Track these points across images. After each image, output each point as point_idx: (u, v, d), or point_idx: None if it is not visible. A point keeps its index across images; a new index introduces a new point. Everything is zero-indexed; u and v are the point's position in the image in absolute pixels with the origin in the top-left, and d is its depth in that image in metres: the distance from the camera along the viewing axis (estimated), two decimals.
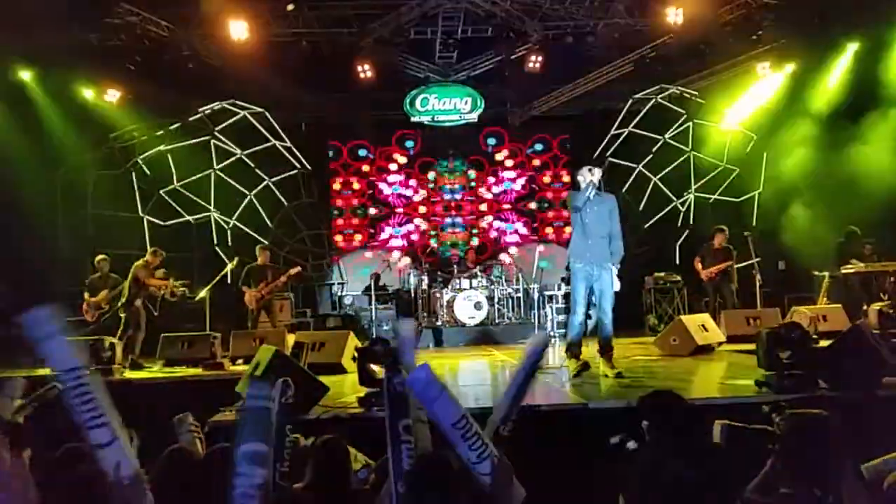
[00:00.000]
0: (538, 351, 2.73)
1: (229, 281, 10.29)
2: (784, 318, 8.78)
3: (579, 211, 6.30)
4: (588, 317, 6.56)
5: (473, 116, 13.84)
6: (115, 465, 2.15)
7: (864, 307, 8.58)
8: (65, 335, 2.21)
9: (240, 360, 8.35)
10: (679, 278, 11.98)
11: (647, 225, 13.00)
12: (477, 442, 2.26)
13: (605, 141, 13.10)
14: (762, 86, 12.07)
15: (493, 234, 14.30)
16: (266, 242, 10.77)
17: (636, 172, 13.05)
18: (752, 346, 5.69)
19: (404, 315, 11.93)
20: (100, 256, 9.64)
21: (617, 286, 6.36)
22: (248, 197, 12.53)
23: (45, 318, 2.19)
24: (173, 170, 12.09)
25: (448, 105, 13.80)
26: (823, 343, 5.51)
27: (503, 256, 13.74)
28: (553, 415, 4.70)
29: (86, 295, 9.28)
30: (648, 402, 2.97)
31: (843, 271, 9.95)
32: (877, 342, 5.10)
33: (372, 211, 14.35)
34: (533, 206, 14.58)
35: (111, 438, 2.15)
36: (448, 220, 14.40)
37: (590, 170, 6.33)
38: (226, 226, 12.41)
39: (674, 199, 12.95)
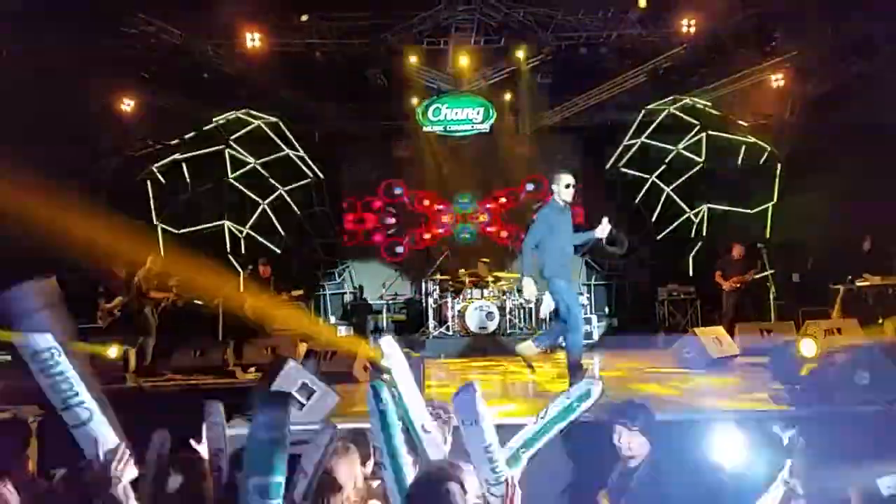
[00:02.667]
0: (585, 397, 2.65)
1: (241, 289, 10.34)
2: (798, 331, 8.69)
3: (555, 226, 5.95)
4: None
5: (485, 126, 13.86)
6: (92, 444, 2.13)
7: (880, 321, 8.49)
8: (45, 311, 2.14)
9: (252, 369, 8.37)
10: (693, 290, 11.91)
11: (660, 236, 12.94)
12: (499, 465, 2.29)
13: (618, 152, 13.08)
14: (775, 97, 12.03)
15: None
16: (265, 259, 10.79)
17: (649, 183, 13.02)
18: (766, 360, 5.64)
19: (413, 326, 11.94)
20: (116, 265, 9.73)
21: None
22: (262, 206, 12.60)
23: (25, 295, 2.12)
24: (188, 178, 12.18)
25: (460, 115, 13.83)
26: (839, 357, 5.45)
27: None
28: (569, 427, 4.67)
29: (101, 302, 9.37)
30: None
31: (858, 284, 9.86)
32: (893, 356, 5.05)
33: (388, 220, 14.39)
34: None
35: (87, 417, 2.13)
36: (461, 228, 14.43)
37: (567, 185, 5.98)
38: (239, 234, 12.48)
39: (687, 210, 12.89)
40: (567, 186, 5.95)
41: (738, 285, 10.04)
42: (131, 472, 2.20)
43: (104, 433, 2.16)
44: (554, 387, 7.28)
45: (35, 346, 2.08)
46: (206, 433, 3.00)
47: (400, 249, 14.31)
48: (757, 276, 10.27)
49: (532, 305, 11.98)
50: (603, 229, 6.12)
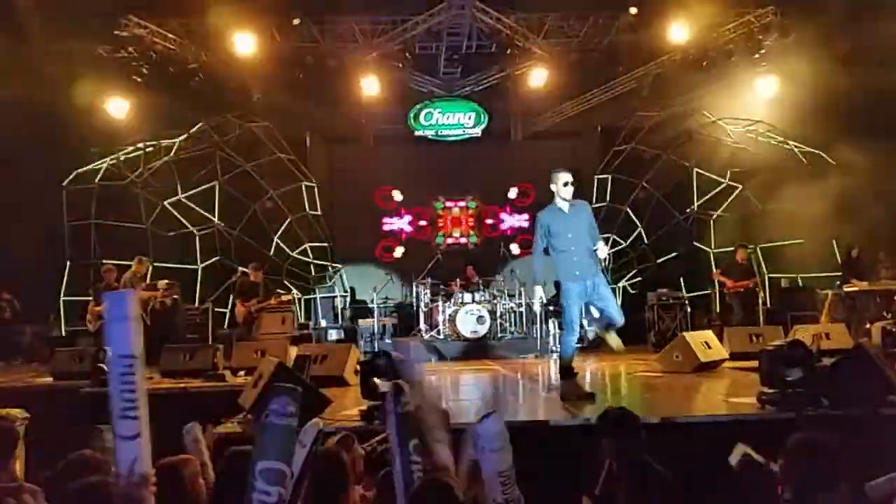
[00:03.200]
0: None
1: (232, 293, 10.33)
2: (787, 335, 8.76)
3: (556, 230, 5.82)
4: (581, 327, 6.31)
5: (477, 131, 13.91)
6: (128, 460, 2.14)
7: (868, 325, 8.57)
8: (134, 323, 2.22)
9: (242, 372, 8.33)
10: (682, 294, 11.96)
11: (650, 241, 13.00)
12: (511, 488, 2.33)
13: (608, 157, 13.14)
14: (765, 103, 12.12)
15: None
16: (257, 263, 10.79)
17: (639, 188, 13.08)
18: (754, 364, 5.67)
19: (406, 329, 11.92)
20: (105, 266, 9.70)
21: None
22: (253, 208, 12.58)
23: (122, 301, 2.22)
24: (178, 181, 12.15)
25: (452, 120, 13.88)
26: (826, 361, 5.49)
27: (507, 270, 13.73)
28: (559, 430, 4.70)
29: (91, 305, 9.33)
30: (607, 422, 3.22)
31: (846, 289, 9.95)
32: (881, 360, 5.09)
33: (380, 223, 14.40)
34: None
35: (136, 433, 2.15)
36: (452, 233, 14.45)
37: (565, 184, 5.85)
38: (230, 238, 12.45)
39: (677, 215, 12.96)
40: (565, 184, 5.81)
41: (742, 289, 10.08)
42: (151, 500, 2.24)
43: (144, 453, 2.19)
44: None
45: (120, 352, 2.18)
46: (189, 450, 3.04)
47: (397, 253, 14.32)
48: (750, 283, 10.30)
49: (523, 309, 12.00)
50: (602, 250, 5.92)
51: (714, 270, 11.59)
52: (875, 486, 2.76)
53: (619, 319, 5.90)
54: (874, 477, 2.90)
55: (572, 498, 3.90)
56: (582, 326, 6.32)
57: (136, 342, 2.21)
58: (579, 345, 6.18)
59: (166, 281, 9.80)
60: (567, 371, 6.00)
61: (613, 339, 6.04)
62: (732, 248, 10.85)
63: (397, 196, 14.43)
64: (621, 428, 3.18)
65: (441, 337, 11.50)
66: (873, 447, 3.59)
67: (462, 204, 14.64)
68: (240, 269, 10.22)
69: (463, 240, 14.58)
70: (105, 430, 2.89)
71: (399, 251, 14.35)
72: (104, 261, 10.49)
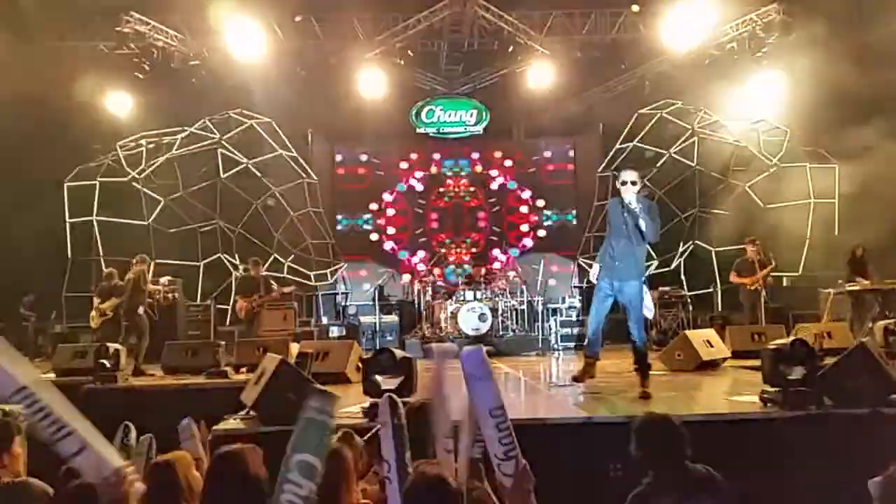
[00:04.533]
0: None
1: (234, 289, 10.33)
2: (789, 334, 8.74)
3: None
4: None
5: (479, 129, 13.91)
6: (92, 469, 2.14)
7: (870, 324, 8.55)
8: (2, 358, 2.15)
9: (244, 369, 8.34)
10: (684, 292, 11.96)
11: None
12: (508, 437, 2.26)
13: (610, 155, 13.12)
14: (767, 101, 12.10)
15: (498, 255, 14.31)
16: (257, 258, 10.79)
17: (640, 186, 13.05)
18: (757, 362, 5.67)
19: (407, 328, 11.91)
20: (107, 270, 9.74)
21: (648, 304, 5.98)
22: (254, 205, 12.58)
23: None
24: (180, 178, 12.15)
25: (454, 117, 13.88)
26: (829, 360, 5.49)
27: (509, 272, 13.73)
28: (558, 428, 4.70)
29: (95, 301, 9.35)
30: (642, 428, 2.93)
31: (849, 288, 9.94)
32: (883, 359, 5.09)
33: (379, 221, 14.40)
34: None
35: (80, 446, 2.14)
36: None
37: (623, 182, 5.79)
38: (231, 234, 12.45)
39: (679, 213, 12.94)
40: (623, 184, 5.72)
41: (757, 285, 10.00)
42: (139, 488, 2.25)
43: (103, 457, 2.18)
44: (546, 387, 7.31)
45: (4, 392, 2.11)
46: (183, 447, 3.05)
47: (396, 249, 14.33)
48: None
49: (525, 307, 12.01)
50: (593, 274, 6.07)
51: (717, 271, 11.60)
52: (877, 483, 2.75)
53: (636, 334, 5.89)
54: (876, 476, 2.90)
55: (574, 495, 3.91)
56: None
57: (16, 374, 2.13)
58: (589, 347, 6.12)
59: (168, 278, 9.80)
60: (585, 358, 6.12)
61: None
62: (738, 247, 10.76)
63: (402, 193, 14.43)
64: (661, 437, 2.90)
65: (443, 335, 11.51)
66: (875, 445, 3.59)
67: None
68: (241, 265, 10.21)
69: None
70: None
71: (403, 248, 14.35)
72: (106, 258, 10.49)
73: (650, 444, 2.88)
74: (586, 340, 6.21)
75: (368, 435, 3.54)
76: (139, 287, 9.00)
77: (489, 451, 2.27)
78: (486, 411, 2.26)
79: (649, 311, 6.87)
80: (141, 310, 8.95)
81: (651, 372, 6.08)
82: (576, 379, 6.06)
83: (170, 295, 9.60)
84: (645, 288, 6.22)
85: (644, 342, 6.03)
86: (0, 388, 2.11)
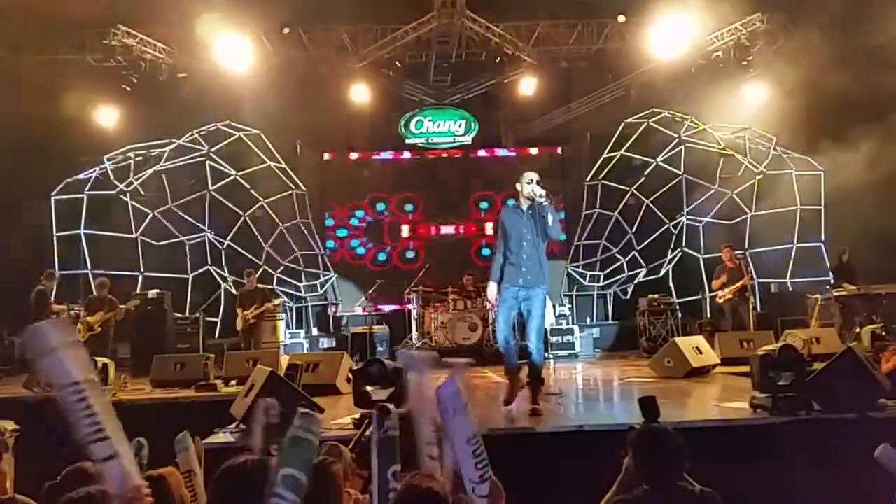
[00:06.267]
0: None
1: (222, 302, 10.28)
2: (777, 340, 8.80)
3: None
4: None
5: (467, 139, 13.95)
6: (116, 478, 2.14)
7: (858, 329, 8.61)
8: (65, 350, 2.20)
9: (233, 382, 8.29)
10: (673, 300, 12.01)
11: (640, 247, 13.06)
12: (483, 462, 2.29)
13: (598, 164, 13.20)
14: (753, 110, 12.23)
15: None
16: (252, 269, 10.75)
17: (628, 195, 13.14)
18: (746, 369, 5.70)
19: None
20: (100, 280, 9.71)
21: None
22: (243, 217, 12.55)
23: (44, 334, 2.16)
24: (168, 190, 12.11)
25: (442, 128, 13.92)
26: (817, 365, 5.53)
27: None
28: (547, 437, 4.70)
29: (82, 313, 9.30)
30: (638, 438, 2.84)
31: (836, 293, 10.02)
32: (871, 364, 5.13)
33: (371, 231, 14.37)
34: None
35: (112, 453, 2.14)
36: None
37: (529, 181, 5.57)
38: (220, 247, 12.40)
39: (666, 221, 13.01)
40: (529, 182, 5.55)
41: (733, 296, 10.04)
42: None
43: (129, 470, 2.18)
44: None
45: (60, 381, 2.13)
46: (178, 459, 3.04)
47: (383, 257, 14.30)
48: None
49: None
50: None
51: (705, 278, 11.65)
52: (886, 450, 2.74)
53: (534, 347, 5.67)
54: (865, 482, 2.91)
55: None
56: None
57: (76, 367, 2.16)
58: (508, 359, 5.87)
59: (76, 306, 9.65)
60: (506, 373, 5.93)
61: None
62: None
63: (390, 204, 14.43)
64: (654, 447, 2.80)
65: (433, 344, 11.49)
66: (864, 450, 3.61)
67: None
68: (230, 277, 10.18)
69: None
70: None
71: (392, 258, 14.33)
72: (93, 271, 10.44)
73: (647, 457, 2.79)
74: (503, 354, 5.87)
75: (352, 443, 3.54)
76: (41, 304, 8.91)
77: (464, 476, 2.28)
78: (463, 442, 2.28)
79: (548, 320, 6.68)
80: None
81: (641, 378, 6.08)
82: (507, 402, 5.67)
83: (72, 313, 9.53)
84: (547, 299, 6.02)
85: (542, 357, 5.87)
86: (59, 376, 2.13)
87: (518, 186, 5.66)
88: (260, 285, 10.59)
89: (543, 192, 5.48)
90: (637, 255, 13.16)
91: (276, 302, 10.52)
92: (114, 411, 2.20)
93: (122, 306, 9.43)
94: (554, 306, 12.66)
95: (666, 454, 2.77)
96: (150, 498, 2.19)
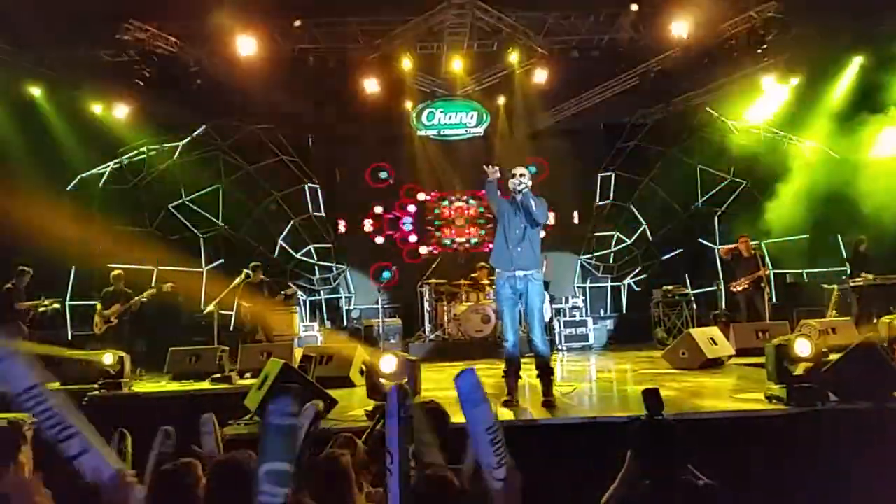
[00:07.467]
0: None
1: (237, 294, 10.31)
2: (793, 331, 8.73)
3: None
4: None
5: (479, 130, 13.90)
6: (92, 471, 2.17)
7: (875, 320, 8.53)
8: (16, 356, 2.20)
9: (248, 374, 8.35)
10: (687, 291, 11.94)
11: (654, 238, 12.99)
12: (501, 448, 2.31)
13: (612, 154, 13.11)
14: (767, 99, 12.08)
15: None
16: (258, 263, 10.78)
17: (643, 185, 13.06)
18: (761, 360, 5.66)
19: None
20: (116, 271, 9.77)
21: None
22: (256, 211, 12.59)
23: None
24: (181, 184, 12.18)
25: (454, 119, 13.87)
26: (833, 356, 5.48)
27: None
28: (557, 429, 4.70)
29: (98, 306, 9.41)
30: (638, 430, 2.81)
31: (853, 284, 9.92)
32: (887, 354, 5.08)
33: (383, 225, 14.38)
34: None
35: (82, 448, 2.17)
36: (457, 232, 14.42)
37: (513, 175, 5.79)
38: (234, 240, 12.47)
39: (680, 211, 12.93)
40: (513, 176, 5.78)
41: (748, 287, 9.98)
42: (139, 491, 2.28)
43: (103, 460, 2.21)
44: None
45: (14, 390, 2.15)
46: (203, 441, 3.09)
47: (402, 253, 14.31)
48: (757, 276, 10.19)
49: None
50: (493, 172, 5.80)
51: (720, 269, 11.59)
52: None
53: (538, 340, 5.89)
54: (882, 471, 2.89)
55: (573, 497, 3.90)
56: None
57: (29, 372, 2.18)
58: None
59: (50, 301, 9.63)
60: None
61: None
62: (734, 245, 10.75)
63: (402, 197, 14.42)
64: (656, 441, 2.77)
65: (446, 337, 11.51)
66: (880, 440, 3.58)
67: (462, 203, 14.58)
68: (244, 270, 10.20)
69: (473, 240, 14.48)
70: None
71: (404, 251, 14.34)
72: (109, 265, 10.50)
73: (647, 450, 2.75)
74: (508, 357, 5.99)
75: (365, 436, 3.55)
76: (6, 305, 8.88)
77: (482, 462, 2.32)
78: (482, 431, 2.30)
79: (546, 314, 6.80)
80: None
81: (655, 370, 6.07)
82: (507, 404, 5.67)
83: (49, 310, 9.50)
84: (545, 292, 6.22)
85: (548, 348, 6.02)
86: (13, 382, 2.15)
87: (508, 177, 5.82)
88: (264, 277, 10.62)
89: (524, 187, 5.70)
90: (651, 245, 13.10)
91: (289, 291, 10.54)
92: (73, 405, 2.21)
93: (138, 298, 9.51)
94: (567, 298, 12.65)
95: (667, 448, 2.73)
96: (134, 479, 2.23)
